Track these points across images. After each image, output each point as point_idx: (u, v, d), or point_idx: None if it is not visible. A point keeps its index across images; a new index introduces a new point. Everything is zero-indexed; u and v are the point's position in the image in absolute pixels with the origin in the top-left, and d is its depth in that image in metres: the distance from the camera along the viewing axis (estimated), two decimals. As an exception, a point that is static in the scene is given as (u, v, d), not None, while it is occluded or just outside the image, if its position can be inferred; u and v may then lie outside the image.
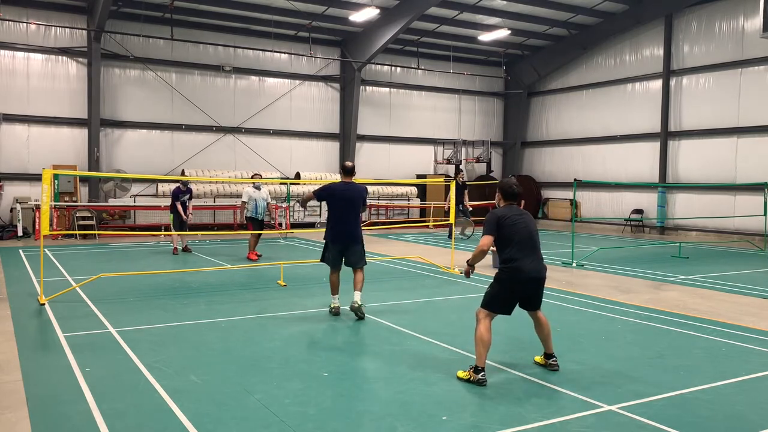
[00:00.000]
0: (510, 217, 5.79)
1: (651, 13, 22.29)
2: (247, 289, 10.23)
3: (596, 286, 10.86)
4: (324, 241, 8.39)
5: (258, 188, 13.75)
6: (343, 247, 8.28)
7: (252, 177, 14.42)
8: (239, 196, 21.79)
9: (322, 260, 8.45)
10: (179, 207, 14.40)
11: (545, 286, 6.01)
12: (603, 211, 24.76)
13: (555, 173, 26.96)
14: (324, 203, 8.84)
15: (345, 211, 8.23)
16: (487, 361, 6.31)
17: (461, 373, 5.72)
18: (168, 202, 19.70)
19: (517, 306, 5.96)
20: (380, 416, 4.84)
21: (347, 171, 8.40)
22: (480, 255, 5.79)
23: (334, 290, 8.34)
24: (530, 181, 27.14)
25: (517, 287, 5.75)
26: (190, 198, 14.84)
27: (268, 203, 13.87)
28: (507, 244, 5.72)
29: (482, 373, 5.58)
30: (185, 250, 14.93)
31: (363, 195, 8.41)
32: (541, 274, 5.82)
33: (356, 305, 8.02)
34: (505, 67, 27.96)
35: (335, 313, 8.29)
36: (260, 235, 14.35)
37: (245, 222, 14.13)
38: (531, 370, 5.97)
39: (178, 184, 14.96)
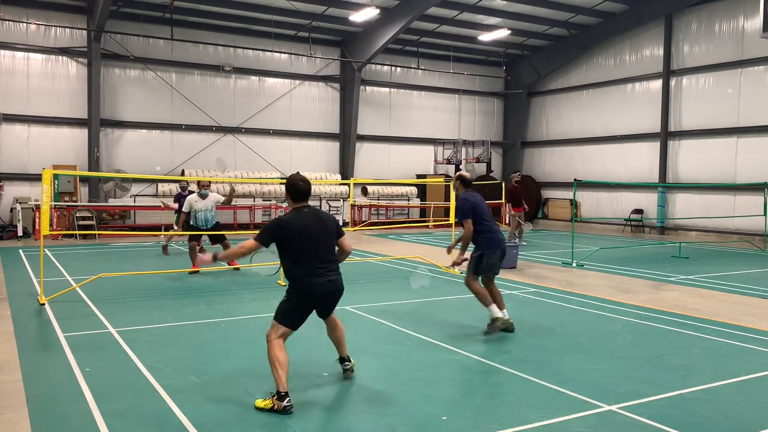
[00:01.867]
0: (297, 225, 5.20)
1: (651, 13, 22.29)
2: (247, 289, 10.22)
3: (596, 286, 10.86)
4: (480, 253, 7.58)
5: (203, 197, 11.67)
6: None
7: (198, 184, 11.93)
8: (239, 196, 21.88)
9: (477, 273, 7.50)
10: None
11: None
12: (603, 211, 24.76)
13: (555, 173, 26.96)
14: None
15: None
16: (487, 361, 6.30)
17: (259, 403, 4.92)
18: (168, 202, 19.82)
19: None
20: (380, 416, 4.84)
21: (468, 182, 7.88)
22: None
23: (487, 299, 7.40)
24: (530, 181, 27.13)
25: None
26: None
27: (221, 203, 11.83)
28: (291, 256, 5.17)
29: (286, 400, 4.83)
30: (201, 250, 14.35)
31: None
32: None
33: None
34: (505, 67, 27.96)
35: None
36: (198, 241, 12.10)
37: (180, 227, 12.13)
38: (531, 370, 5.97)
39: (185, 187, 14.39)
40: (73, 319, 7.87)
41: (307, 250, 5.11)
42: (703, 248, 17.58)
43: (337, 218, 7.86)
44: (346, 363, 5.65)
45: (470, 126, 28.00)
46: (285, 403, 4.81)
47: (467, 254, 7.53)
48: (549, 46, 26.31)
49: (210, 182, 12.35)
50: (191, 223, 11.81)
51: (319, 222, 5.31)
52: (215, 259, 5.24)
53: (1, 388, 5.37)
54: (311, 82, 24.30)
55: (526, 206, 17.95)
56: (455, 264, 7.52)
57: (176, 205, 14.71)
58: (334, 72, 24.67)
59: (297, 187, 5.32)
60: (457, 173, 7.90)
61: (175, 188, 20.68)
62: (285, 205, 21.54)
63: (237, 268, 11.83)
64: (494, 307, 7.30)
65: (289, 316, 5.11)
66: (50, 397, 5.18)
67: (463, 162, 26.42)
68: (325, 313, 5.47)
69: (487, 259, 7.41)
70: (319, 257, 5.17)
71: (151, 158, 21.23)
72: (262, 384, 5.52)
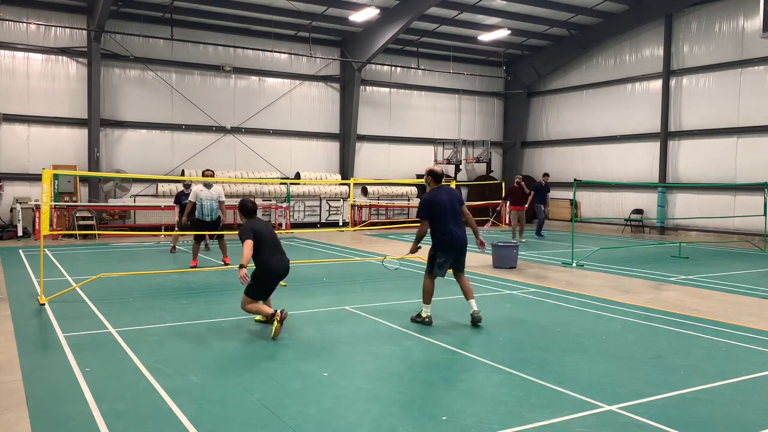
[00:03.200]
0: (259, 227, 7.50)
1: (651, 13, 22.29)
2: (247, 289, 10.21)
3: (596, 286, 10.86)
4: (434, 252, 7.81)
5: (208, 186, 12.20)
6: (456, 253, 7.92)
7: (203, 174, 12.83)
8: (240, 196, 21.87)
9: (430, 272, 7.87)
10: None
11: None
12: (603, 211, 24.76)
13: (555, 173, 26.92)
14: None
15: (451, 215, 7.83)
16: (486, 361, 6.31)
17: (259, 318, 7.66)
18: (167, 202, 19.85)
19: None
20: (380, 416, 4.84)
21: (438, 177, 8.03)
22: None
23: (428, 298, 7.86)
24: (530, 181, 27.09)
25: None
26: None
27: (220, 202, 12.28)
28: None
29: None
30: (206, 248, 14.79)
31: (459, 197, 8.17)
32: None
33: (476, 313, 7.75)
34: (505, 67, 27.97)
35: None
36: (204, 239, 12.90)
37: (188, 223, 12.44)
38: (531, 370, 5.97)
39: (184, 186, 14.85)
40: (73, 319, 7.87)
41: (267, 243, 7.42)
42: (703, 248, 17.58)
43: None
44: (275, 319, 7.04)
45: (470, 126, 28.00)
46: (278, 314, 7.03)
47: (426, 248, 8.02)
48: (549, 46, 26.31)
49: (214, 172, 13.11)
50: (197, 214, 12.14)
51: (268, 225, 7.90)
52: (243, 266, 7.11)
53: (1, 388, 5.38)
54: (311, 82, 24.30)
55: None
56: (410, 253, 8.13)
57: (176, 207, 14.74)
58: (334, 72, 24.67)
59: (248, 207, 7.71)
60: (428, 167, 8.19)
61: (175, 188, 20.72)
62: (285, 204, 21.59)
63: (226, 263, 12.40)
64: (427, 309, 7.81)
65: (260, 291, 7.46)
66: (50, 397, 5.18)
67: (463, 162, 26.43)
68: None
69: (438, 259, 7.72)
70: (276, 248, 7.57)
71: (151, 158, 21.24)
72: (263, 384, 5.53)
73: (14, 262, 12.94)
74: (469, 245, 8.02)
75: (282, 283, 10.44)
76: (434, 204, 7.73)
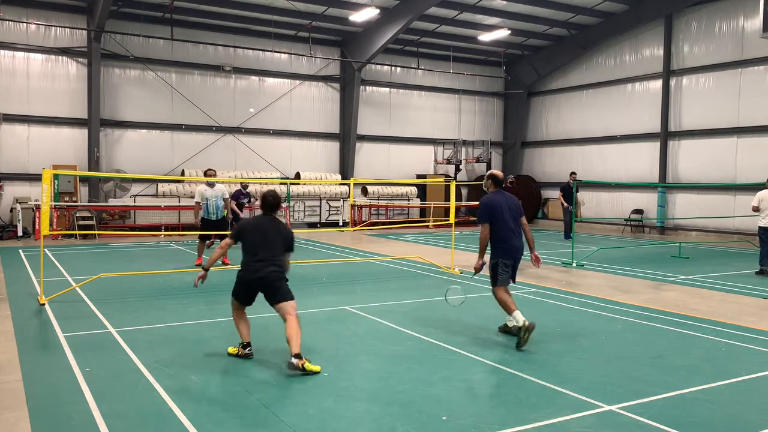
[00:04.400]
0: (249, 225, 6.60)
1: (651, 13, 22.28)
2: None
3: (596, 286, 10.86)
4: (496, 261, 7.26)
5: (211, 185, 12.46)
6: (515, 261, 7.40)
7: (205, 173, 13.02)
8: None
9: (495, 284, 7.28)
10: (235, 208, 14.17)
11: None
12: (603, 211, 24.76)
13: (555, 173, 26.94)
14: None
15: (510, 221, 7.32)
16: (487, 361, 6.31)
17: (231, 350, 6.44)
18: (167, 202, 19.87)
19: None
20: (380, 416, 4.84)
21: (498, 182, 7.51)
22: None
23: (512, 306, 7.15)
24: (530, 181, 27.13)
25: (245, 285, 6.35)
26: (249, 201, 15.01)
27: (225, 199, 12.54)
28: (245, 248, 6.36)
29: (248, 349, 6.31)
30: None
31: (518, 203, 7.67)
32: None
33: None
34: (505, 67, 27.97)
35: None
36: (209, 238, 13.03)
37: (198, 224, 12.63)
38: (531, 370, 5.97)
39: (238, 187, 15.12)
40: (73, 319, 7.87)
41: (252, 246, 6.31)
42: (703, 248, 17.59)
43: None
44: (293, 359, 5.77)
45: (470, 126, 28.00)
46: (246, 350, 6.28)
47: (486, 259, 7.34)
48: (549, 46, 26.31)
49: (215, 172, 13.09)
50: (203, 214, 12.44)
51: (274, 225, 6.51)
52: (206, 269, 6.48)
53: (1, 388, 5.37)
54: (311, 82, 24.30)
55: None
56: (476, 270, 7.34)
57: (234, 204, 14.36)
58: (334, 72, 24.67)
59: (266, 201, 6.51)
60: (489, 171, 7.69)
61: (175, 188, 20.75)
62: (285, 204, 21.57)
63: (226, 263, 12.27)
64: (518, 314, 6.98)
65: (238, 293, 6.38)
66: (50, 397, 5.18)
67: (463, 162, 26.43)
68: (269, 301, 6.28)
69: (502, 267, 7.22)
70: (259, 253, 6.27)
71: (151, 158, 21.24)
72: (263, 383, 5.53)
73: (14, 262, 12.94)
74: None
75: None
76: (494, 206, 7.22)
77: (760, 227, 12.61)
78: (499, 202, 7.27)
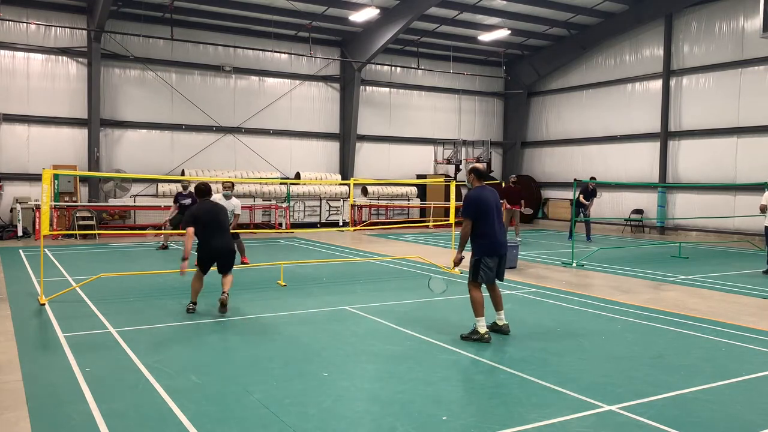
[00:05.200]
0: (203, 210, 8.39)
1: (651, 13, 22.28)
2: (247, 289, 10.22)
3: (596, 286, 10.87)
4: (479, 257, 7.09)
5: (228, 197, 11.90)
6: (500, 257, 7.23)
7: (223, 185, 12.51)
8: (240, 196, 21.87)
9: (475, 280, 7.14)
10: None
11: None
12: (603, 211, 24.75)
13: (555, 173, 26.95)
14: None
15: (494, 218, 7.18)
16: (486, 361, 6.32)
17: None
18: (167, 202, 19.83)
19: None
20: (380, 416, 4.84)
21: (482, 176, 7.38)
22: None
23: (481, 310, 7.05)
24: (530, 181, 27.13)
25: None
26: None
27: (236, 215, 11.84)
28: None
29: None
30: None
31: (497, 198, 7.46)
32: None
33: None
34: (505, 67, 27.97)
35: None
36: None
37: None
38: (531, 370, 5.97)
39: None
40: (73, 319, 7.87)
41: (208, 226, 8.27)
42: (703, 248, 17.59)
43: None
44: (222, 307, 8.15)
45: (470, 126, 28.00)
46: (190, 305, 8.33)
47: (467, 255, 7.37)
48: (549, 46, 26.31)
49: (233, 183, 12.56)
50: None
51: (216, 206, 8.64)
52: (185, 259, 8.06)
53: (1, 388, 5.38)
54: (311, 82, 24.30)
55: (523, 207, 18.88)
56: (454, 263, 7.35)
57: (176, 207, 14.78)
58: (334, 72, 24.67)
59: (200, 189, 8.61)
60: (471, 165, 7.61)
61: (175, 188, 20.72)
62: (285, 204, 21.58)
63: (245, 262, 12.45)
64: (481, 322, 7.01)
65: (200, 265, 8.38)
66: (50, 397, 5.18)
67: (463, 162, 26.41)
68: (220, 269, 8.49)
69: (485, 265, 7.07)
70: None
71: (151, 158, 21.23)
72: (263, 384, 5.53)
73: (14, 262, 12.94)
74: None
75: (281, 282, 10.50)
76: (480, 202, 7.07)
77: (766, 227, 12.63)
78: (486, 198, 7.14)
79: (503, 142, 28.94)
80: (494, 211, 7.14)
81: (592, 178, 20.03)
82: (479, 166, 7.48)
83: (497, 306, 7.38)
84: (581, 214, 19.09)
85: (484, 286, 7.22)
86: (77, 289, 9.58)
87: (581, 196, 19.03)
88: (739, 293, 10.36)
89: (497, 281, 7.31)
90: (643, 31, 23.13)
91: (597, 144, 25.09)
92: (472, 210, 7.07)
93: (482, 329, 6.99)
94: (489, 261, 7.07)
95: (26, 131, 19.64)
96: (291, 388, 5.42)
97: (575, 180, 15.49)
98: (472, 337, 7.03)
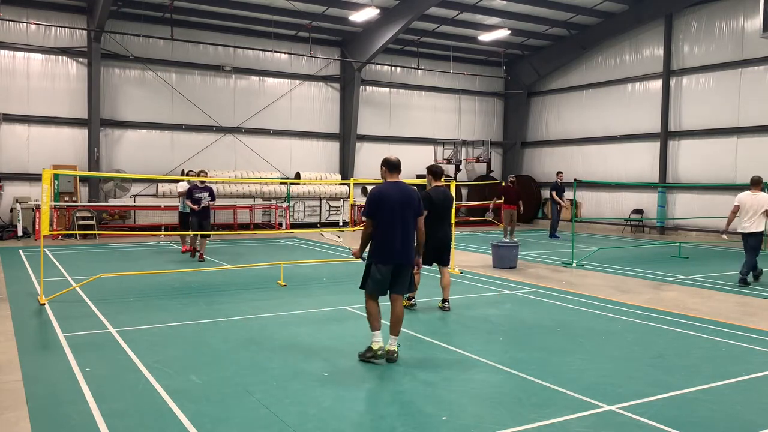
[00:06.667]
0: None
1: (651, 13, 22.27)
2: (247, 289, 10.23)
3: (596, 286, 10.86)
4: (371, 262, 6.35)
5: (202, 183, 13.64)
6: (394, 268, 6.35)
7: (198, 174, 14.08)
8: (240, 196, 21.90)
9: (363, 288, 6.42)
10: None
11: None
12: (603, 211, 24.75)
13: (555, 173, 26.90)
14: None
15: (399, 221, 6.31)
16: (486, 361, 6.31)
17: None
18: (167, 202, 19.84)
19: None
20: (380, 416, 4.84)
21: (394, 166, 6.60)
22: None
23: (375, 323, 6.28)
24: (530, 181, 27.12)
25: None
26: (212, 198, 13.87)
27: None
28: None
29: None
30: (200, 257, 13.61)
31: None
32: None
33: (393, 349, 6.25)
34: (505, 67, 27.96)
35: (380, 355, 6.21)
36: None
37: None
38: (531, 370, 5.97)
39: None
40: (73, 319, 7.87)
41: None
42: (703, 248, 17.58)
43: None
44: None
45: (470, 126, 28.00)
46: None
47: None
48: (549, 46, 26.31)
49: (206, 173, 14.44)
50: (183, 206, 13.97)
51: None
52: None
53: (1, 388, 5.37)
54: (311, 82, 24.30)
55: (521, 208, 18.86)
56: (354, 256, 6.64)
57: (189, 202, 14.11)
58: (334, 72, 24.67)
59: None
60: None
61: (174, 188, 20.68)
62: (285, 204, 21.56)
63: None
64: (377, 337, 6.22)
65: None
66: (50, 397, 5.18)
67: (463, 162, 26.43)
68: None
69: (374, 273, 6.25)
70: None
71: (151, 158, 21.23)
72: (263, 384, 5.53)
73: (14, 262, 12.94)
74: None
75: (281, 282, 10.49)
76: (381, 200, 6.23)
77: (743, 233, 12.54)
78: (389, 196, 6.26)
79: (503, 142, 28.93)
80: (401, 212, 6.26)
81: (559, 173, 20.27)
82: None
83: (393, 328, 6.34)
84: (557, 210, 19.93)
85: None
86: (77, 289, 9.58)
87: (554, 192, 19.67)
88: (739, 293, 10.35)
89: (404, 296, 6.57)
90: (643, 31, 23.12)
91: (597, 144, 25.09)
92: (370, 208, 6.26)
93: (375, 344, 6.19)
94: (381, 269, 6.21)
95: (26, 131, 19.64)
96: (291, 388, 5.42)
97: (575, 180, 15.49)
98: (366, 355, 6.21)
